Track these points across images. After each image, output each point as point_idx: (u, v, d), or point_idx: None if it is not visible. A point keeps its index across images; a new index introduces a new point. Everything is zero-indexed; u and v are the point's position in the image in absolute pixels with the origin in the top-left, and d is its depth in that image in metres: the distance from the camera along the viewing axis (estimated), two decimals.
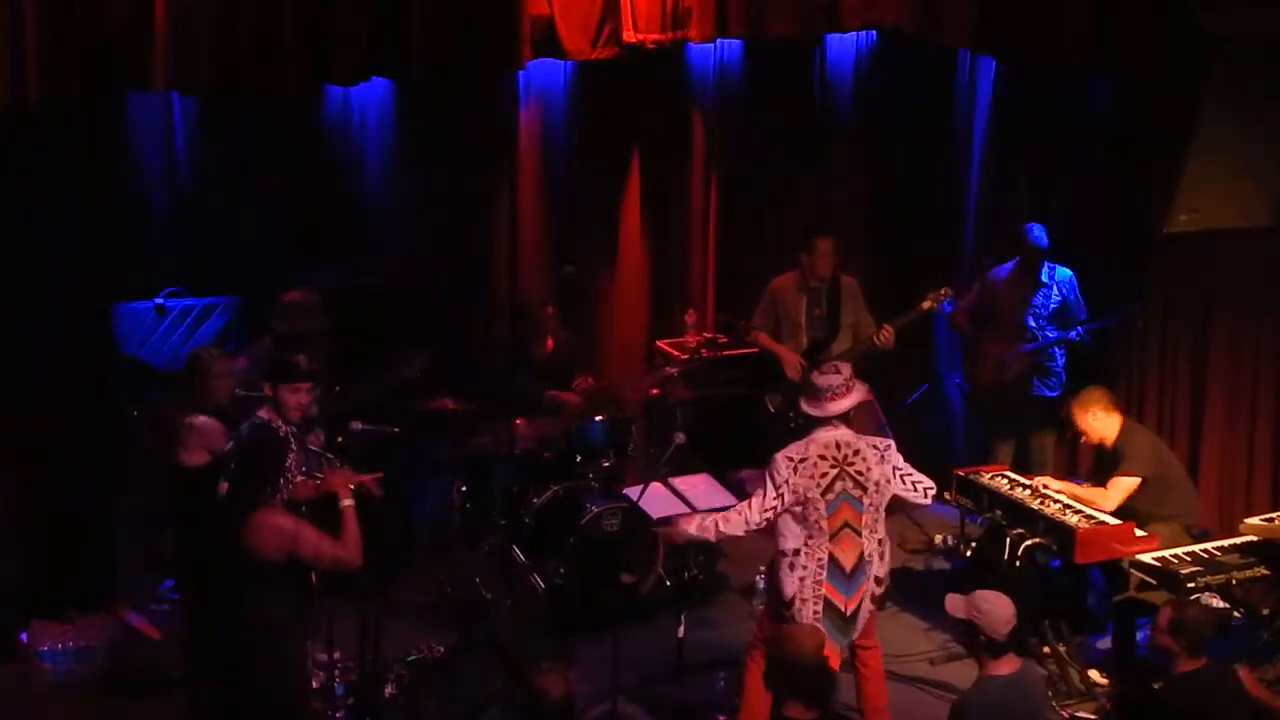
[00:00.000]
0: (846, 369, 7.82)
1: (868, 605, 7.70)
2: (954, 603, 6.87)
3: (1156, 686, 7.42)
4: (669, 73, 11.42)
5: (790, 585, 7.61)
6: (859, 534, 7.62)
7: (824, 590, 7.58)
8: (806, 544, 7.59)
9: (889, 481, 7.70)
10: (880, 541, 7.73)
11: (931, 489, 7.84)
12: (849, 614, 7.63)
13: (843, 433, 7.67)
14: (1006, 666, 6.74)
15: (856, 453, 7.64)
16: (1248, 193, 9.42)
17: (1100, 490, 9.25)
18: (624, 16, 10.01)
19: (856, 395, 7.73)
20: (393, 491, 8.52)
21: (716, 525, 7.74)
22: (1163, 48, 9.40)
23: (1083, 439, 9.54)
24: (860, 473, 7.61)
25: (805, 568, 7.59)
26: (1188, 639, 6.94)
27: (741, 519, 7.65)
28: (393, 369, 9.32)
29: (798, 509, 7.56)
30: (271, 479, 6.91)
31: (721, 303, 11.76)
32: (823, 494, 7.55)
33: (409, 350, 9.44)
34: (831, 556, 7.57)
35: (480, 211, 11.07)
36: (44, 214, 9.36)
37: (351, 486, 7.13)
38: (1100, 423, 9.31)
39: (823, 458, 7.59)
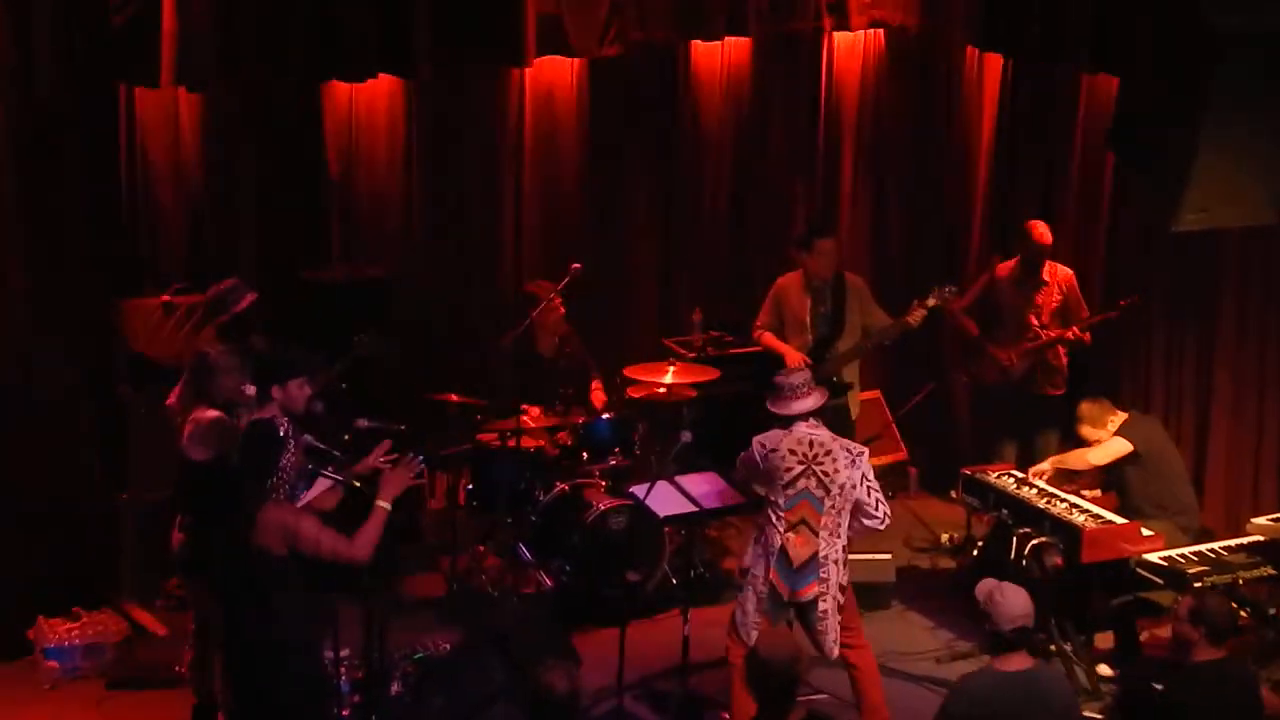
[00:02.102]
0: (806, 371, 8.09)
1: (827, 607, 7.72)
2: (983, 587, 6.89)
3: (1159, 686, 7.41)
4: (677, 70, 11.44)
5: (748, 557, 7.93)
6: (815, 533, 7.72)
7: (771, 575, 7.74)
8: (766, 528, 7.81)
9: (854, 487, 7.75)
10: (842, 548, 7.79)
11: (888, 517, 7.87)
12: (786, 600, 7.73)
13: (820, 433, 7.81)
14: (1015, 663, 6.72)
15: (828, 453, 7.74)
16: (1256, 191, 9.40)
17: (1086, 450, 9.40)
18: (631, 14, 10.02)
19: (817, 397, 7.87)
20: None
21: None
22: (1167, 46, 9.39)
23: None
24: (827, 473, 7.70)
25: (762, 546, 7.83)
26: (1210, 627, 6.95)
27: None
28: (346, 351, 9.27)
29: (763, 492, 7.79)
30: (265, 476, 6.90)
31: (729, 301, 11.74)
32: (784, 487, 7.70)
33: (365, 332, 9.38)
34: (783, 548, 7.71)
35: (486, 208, 11.07)
36: (51, 209, 9.37)
37: (398, 491, 7.12)
38: (1102, 433, 9.38)
39: (792, 452, 7.74)
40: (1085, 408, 9.49)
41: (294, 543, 6.78)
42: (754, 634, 7.73)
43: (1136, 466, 9.30)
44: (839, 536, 7.77)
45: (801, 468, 7.71)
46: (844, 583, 7.83)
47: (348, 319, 9.73)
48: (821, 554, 7.72)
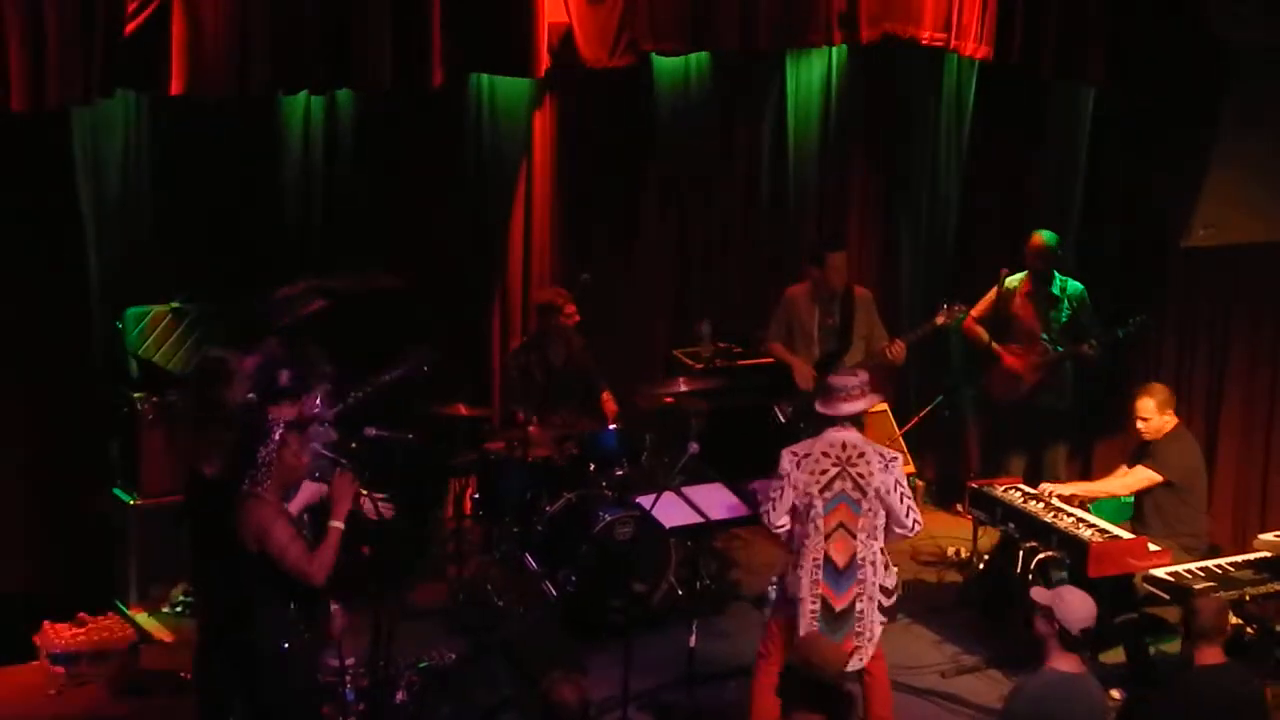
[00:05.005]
0: (864, 374, 7.93)
1: (864, 606, 7.70)
2: (1039, 591, 6.95)
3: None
4: (686, 81, 11.45)
5: (792, 585, 7.74)
6: (854, 536, 7.68)
7: (820, 589, 7.66)
8: (804, 544, 7.69)
9: (890, 492, 7.71)
10: (880, 550, 7.75)
11: (920, 525, 7.85)
12: (839, 610, 7.67)
13: (851, 434, 7.74)
14: (1070, 664, 6.77)
15: (861, 455, 7.69)
16: (1267, 207, 9.40)
17: (1114, 479, 9.36)
18: (643, 25, 10.01)
19: (868, 401, 7.84)
20: (405, 497, 8.57)
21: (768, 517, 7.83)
22: (1181, 60, 9.39)
23: (1139, 423, 9.40)
24: (862, 475, 7.66)
25: (803, 567, 7.70)
26: (1201, 628, 6.94)
27: (766, 519, 7.79)
28: (396, 366, 9.29)
29: (800, 506, 7.64)
30: (244, 466, 6.90)
31: (739, 313, 11.72)
32: (820, 491, 7.65)
33: (412, 347, 9.41)
34: (826, 555, 7.65)
35: (496, 219, 11.08)
36: (58, 214, 9.38)
37: (349, 507, 7.12)
38: (1154, 418, 9.26)
39: (825, 455, 7.68)
40: (1148, 395, 9.35)
41: (265, 545, 6.79)
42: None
43: (1161, 490, 9.26)
44: (875, 539, 7.73)
45: (836, 470, 7.66)
46: (885, 584, 7.78)
47: (354, 329, 9.73)
48: (859, 556, 7.69)
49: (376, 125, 10.54)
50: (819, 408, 7.81)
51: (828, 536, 7.66)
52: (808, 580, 7.67)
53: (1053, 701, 6.71)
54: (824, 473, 7.66)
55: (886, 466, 7.72)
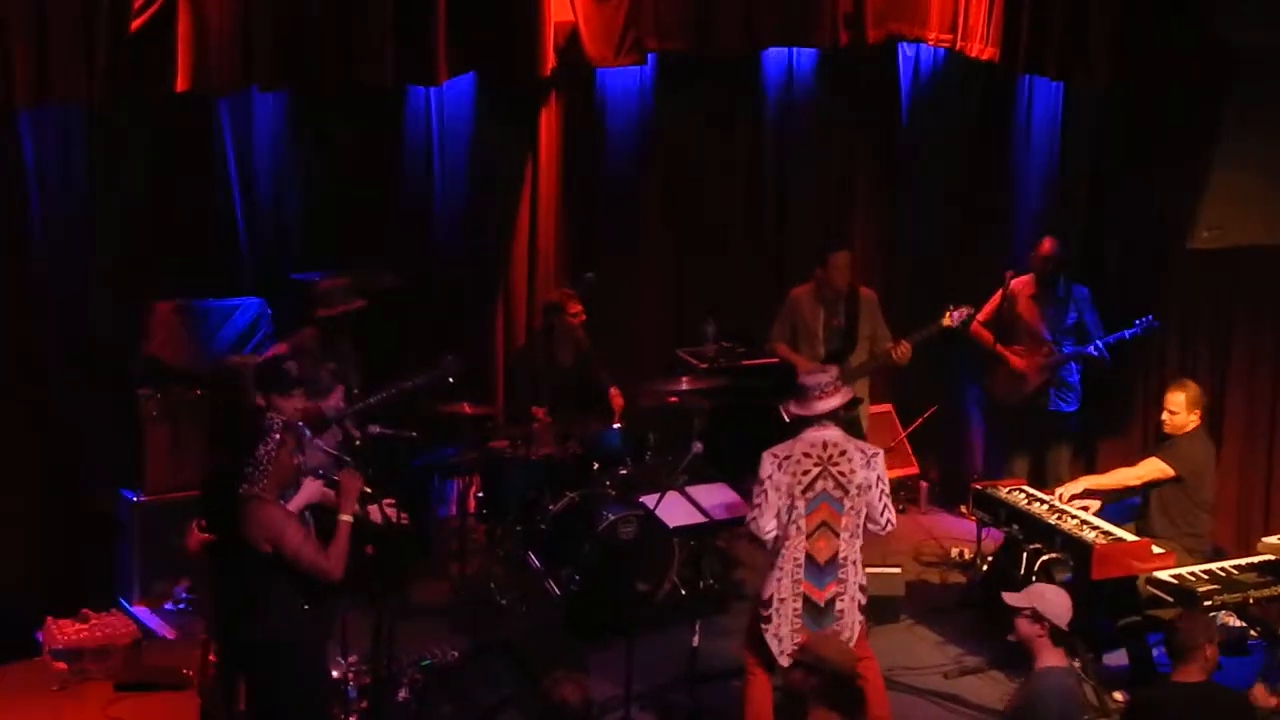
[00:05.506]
0: (833, 369, 7.96)
1: (844, 606, 7.70)
2: (1012, 596, 7.03)
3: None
4: (694, 81, 11.45)
5: (769, 585, 7.74)
6: (836, 535, 7.68)
7: (801, 588, 7.67)
8: (784, 544, 7.68)
9: (871, 487, 7.72)
10: (859, 548, 7.77)
11: (892, 525, 7.85)
12: (823, 604, 7.68)
13: (831, 433, 7.73)
14: (1059, 659, 6.89)
15: (843, 454, 7.69)
16: (1271, 208, 9.39)
17: (1125, 469, 9.36)
18: (648, 25, 10.02)
19: (842, 396, 7.81)
20: (408, 495, 8.57)
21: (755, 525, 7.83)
22: (1184, 62, 9.39)
23: (1165, 414, 9.34)
24: (843, 474, 7.65)
25: (782, 568, 7.70)
26: (1180, 646, 6.94)
27: (754, 526, 7.77)
28: (423, 372, 9.29)
29: (781, 506, 7.64)
30: (242, 463, 6.92)
31: (743, 312, 11.72)
32: (803, 492, 7.65)
33: (439, 353, 9.43)
34: (807, 554, 7.66)
35: (501, 218, 11.08)
36: (68, 212, 9.39)
37: (357, 505, 7.14)
38: (1181, 413, 9.22)
39: (806, 455, 7.67)
40: (1181, 390, 9.29)
41: (279, 546, 6.80)
42: (788, 658, 7.64)
43: (1169, 485, 9.24)
44: (858, 537, 7.73)
45: (818, 469, 7.65)
46: (863, 583, 7.81)
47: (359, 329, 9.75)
48: (841, 555, 7.69)
49: (378, 124, 10.55)
50: (794, 409, 7.80)
51: (810, 535, 7.66)
52: (789, 581, 7.68)
53: (1060, 698, 6.79)
54: (805, 473, 7.66)
55: (869, 462, 7.73)
